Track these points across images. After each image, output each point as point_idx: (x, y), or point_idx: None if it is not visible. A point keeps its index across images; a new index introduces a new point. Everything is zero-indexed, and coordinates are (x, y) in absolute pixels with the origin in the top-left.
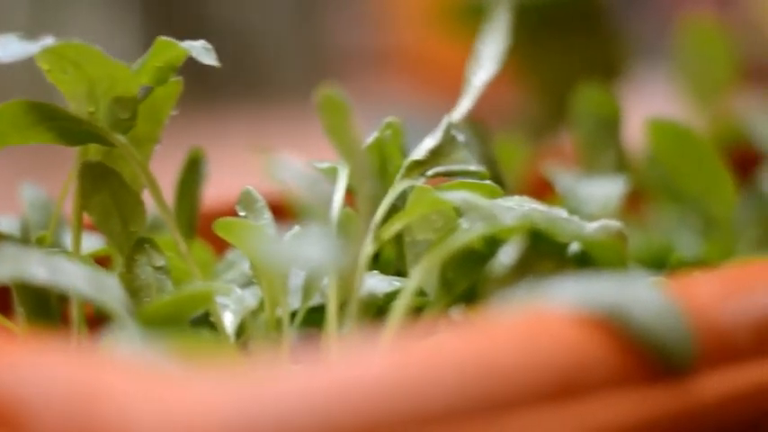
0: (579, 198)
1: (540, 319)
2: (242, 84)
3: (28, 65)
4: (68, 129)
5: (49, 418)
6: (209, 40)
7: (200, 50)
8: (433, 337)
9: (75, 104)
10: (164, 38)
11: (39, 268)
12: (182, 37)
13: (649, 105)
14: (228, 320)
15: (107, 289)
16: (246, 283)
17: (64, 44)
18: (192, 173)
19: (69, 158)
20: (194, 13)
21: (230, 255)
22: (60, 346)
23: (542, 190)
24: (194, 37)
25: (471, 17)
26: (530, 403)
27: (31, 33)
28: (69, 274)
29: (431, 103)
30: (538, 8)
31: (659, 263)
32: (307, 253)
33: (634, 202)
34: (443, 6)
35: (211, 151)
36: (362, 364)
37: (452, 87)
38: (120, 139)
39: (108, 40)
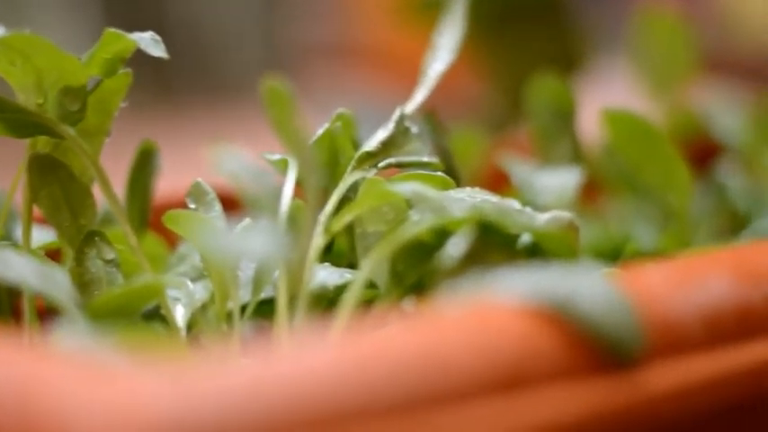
0: (534, 189)
1: (488, 311)
2: (200, 79)
3: None
4: (17, 120)
5: None
6: (168, 35)
7: (149, 42)
8: (381, 329)
9: (23, 96)
10: (112, 29)
11: None
12: (141, 31)
13: (608, 97)
14: (180, 314)
15: (56, 282)
16: (198, 277)
17: (13, 35)
18: (144, 166)
19: (18, 151)
20: (154, 9)
21: (182, 248)
22: (4, 339)
23: (499, 182)
24: (154, 32)
25: (430, 10)
26: (477, 396)
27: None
28: (18, 267)
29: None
30: None
31: (615, 254)
32: (254, 245)
33: (591, 194)
34: (403, 0)
35: (169, 146)
36: (310, 357)
37: (412, 80)
38: (69, 131)
39: (68, 38)
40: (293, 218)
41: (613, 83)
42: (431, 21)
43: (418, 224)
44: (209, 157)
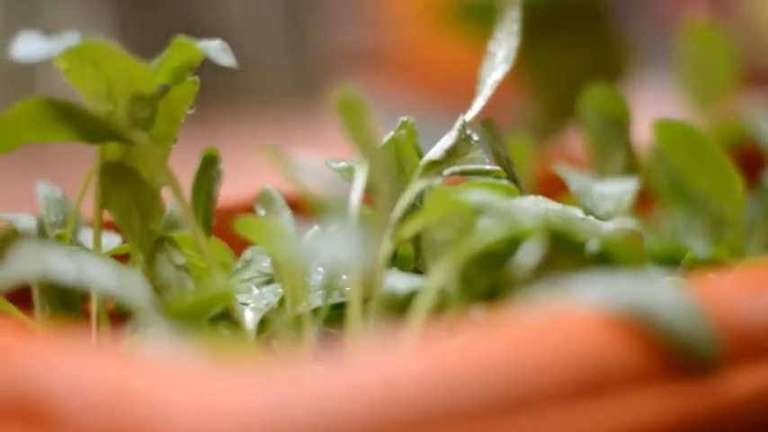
0: (593, 198)
1: (567, 319)
2: (229, 85)
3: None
4: (88, 127)
5: (82, 417)
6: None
7: (217, 51)
8: (458, 336)
9: (93, 103)
10: (181, 38)
11: (65, 265)
12: (161, 36)
13: (651, 107)
14: (249, 318)
15: (133, 286)
16: (264, 282)
17: (84, 43)
18: (208, 172)
19: (75, 156)
20: (181, 15)
21: (247, 253)
22: (90, 343)
23: (552, 190)
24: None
25: (471, 17)
26: (557, 403)
27: (7, 28)
28: (96, 271)
29: (424, 103)
30: (539, 8)
31: (670, 263)
32: (332, 251)
33: (643, 203)
34: (442, 6)
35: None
36: (399, 362)
37: (446, 87)
38: (141, 137)
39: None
40: (362, 224)
41: (654, 93)
42: (471, 27)
43: (490, 233)
44: (271, 164)
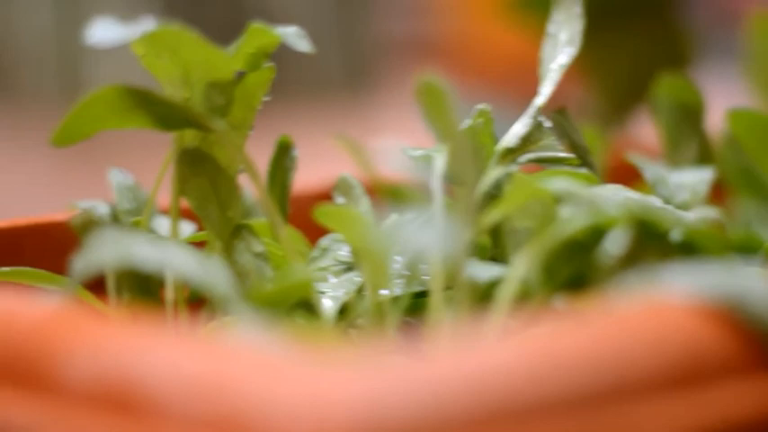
0: (668, 187)
1: (660, 309)
2: (280, 75)
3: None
4: (165, 114)
5: (179, 407)
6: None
7: (294, 37)
8: (546, 325)
9: (169, 90)
10: (257, 23)
11: (148, 252)
12: (212, 26)
13: (716, 97)
14: (327, 306)
15: (217, 274)
16: (340, 270)
17: (162, 29)
18: (283, 159)
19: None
20: (228, 4)
21: (323, 241)
22: (175, 331)
23: (622, 179)
24: (232, 27)
25: (531, 5)
26: (651, 394)
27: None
28: (179, 258)
29: (478, 92)
30: None
31: (746, 252)
32: (419, 239)
33: (715, 192)
34: None
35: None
36: (495, 353)
37: (500, 75)
38: (219, 124)
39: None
40: (445, 212)
41: (718, 84)
42: (531, 16)
43: (574, 222)
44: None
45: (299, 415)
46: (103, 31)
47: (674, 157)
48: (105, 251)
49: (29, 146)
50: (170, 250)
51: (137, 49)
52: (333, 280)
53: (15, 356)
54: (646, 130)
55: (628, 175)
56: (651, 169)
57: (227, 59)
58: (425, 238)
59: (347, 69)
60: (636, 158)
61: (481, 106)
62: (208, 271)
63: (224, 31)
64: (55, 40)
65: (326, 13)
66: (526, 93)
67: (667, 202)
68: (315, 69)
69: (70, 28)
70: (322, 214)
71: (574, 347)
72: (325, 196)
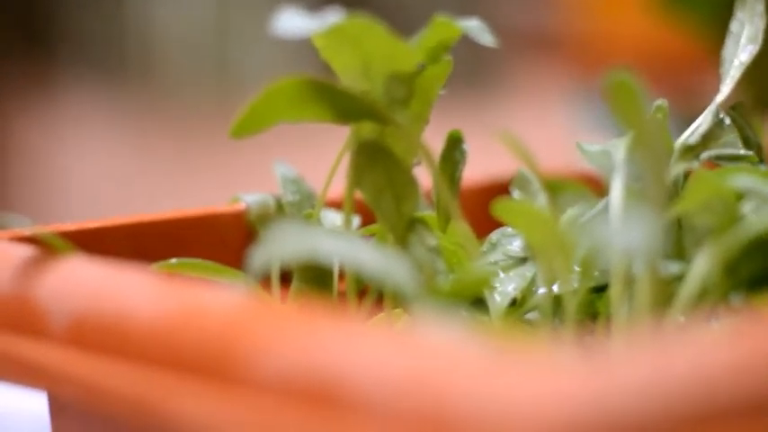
0: None
1: None
2: None
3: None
4: (345, 106)
5: (382, 404)
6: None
7: (477, 29)
8: (743, 324)
9: (348, 82)
10: (441, 16)
11: (332, 245)
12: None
13: None
14: (497, 301)
15: (401, 268)
16: (510, 265)
17: (348, 21)
18: (453, 153)
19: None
20: None
21: (493, 235)
22: (379, 326)
23: None
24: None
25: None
26: None
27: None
28: (363, 252)
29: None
30: None
31: None
32: (627, 236)
33: None
34: None
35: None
36: (704, 351)
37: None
38: (399, 117)
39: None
40: (629, 208)
41: None
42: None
43: (761, 221)
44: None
45: (522, 414)
46: (290, 21)
47: None
48: (289, 244)
49: (191, 138)
50: (353, 244)
51: (318, 41)
52: (501, 275)
53: (208, 352)
54: None
55: None
56: None
57: (411, 52)
58: (622, 233)
59: (471, 64)
60: None
61: (659, 101)
62: (392, 265)
63: None
64: (212, 32)
65: (449, 6)
66: (651, 86)
67: None
68: None
69: (225, 21)
70: (501, 209)
71: None
72: (489, 190)
